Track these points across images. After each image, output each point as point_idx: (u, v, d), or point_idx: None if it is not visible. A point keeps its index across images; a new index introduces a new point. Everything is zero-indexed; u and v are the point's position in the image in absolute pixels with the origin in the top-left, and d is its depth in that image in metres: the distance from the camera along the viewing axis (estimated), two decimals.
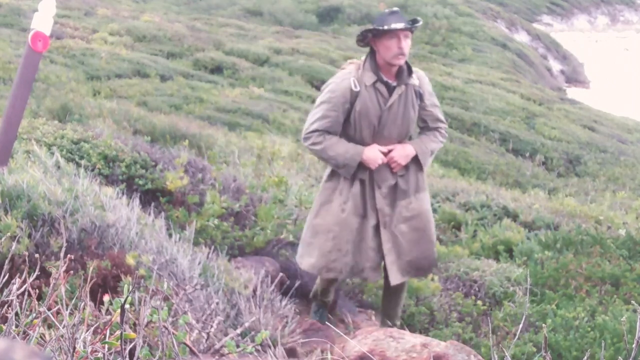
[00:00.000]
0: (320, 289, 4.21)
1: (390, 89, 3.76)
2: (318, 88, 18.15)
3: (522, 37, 32.91)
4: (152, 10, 25.89)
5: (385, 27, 3.60)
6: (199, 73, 17.48)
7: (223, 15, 28.89)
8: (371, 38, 3.69)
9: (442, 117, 4.00)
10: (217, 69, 18.28)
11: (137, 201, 3.62)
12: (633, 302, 3.74)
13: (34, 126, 5.16)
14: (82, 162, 4.40)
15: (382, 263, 3.94)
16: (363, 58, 3.82)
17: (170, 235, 3.55)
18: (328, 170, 3.97)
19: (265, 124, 13.38)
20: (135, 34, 19.72)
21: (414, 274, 4.02)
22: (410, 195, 3.89)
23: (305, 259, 3.98)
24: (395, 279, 3.90)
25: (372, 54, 3.75)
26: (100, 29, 19.64)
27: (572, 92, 27.59)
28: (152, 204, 4.24)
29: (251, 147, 8.92)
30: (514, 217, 7.37)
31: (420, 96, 3.83)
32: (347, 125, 3.82)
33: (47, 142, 4.65)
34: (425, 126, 3.96)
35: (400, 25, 3.60)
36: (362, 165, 3.80)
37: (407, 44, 3.69)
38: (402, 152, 3.83)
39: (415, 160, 3.89)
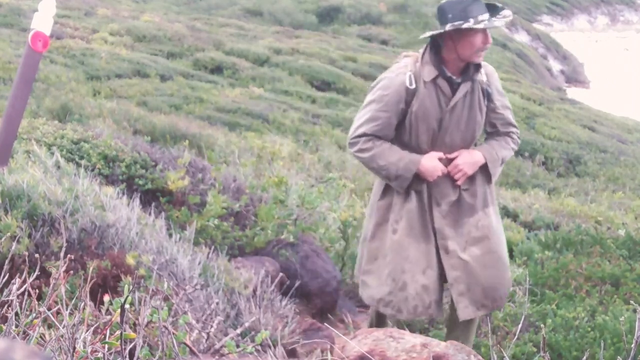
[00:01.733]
0: (375, 321, 3.61)
1: (454, 86, 3.13)
2: (318, 88, 18.18)
3: (522, 37, 32.91)
4: (152, 10, 25.89)
5: (481, 26, 2.96)
6: (199, 73, 17.48)
7: (223, 15, 28.89)
8: (447, 35, 3.06)
9: (513, 120, 3.37)
10: (217, 69, 18.28)
11: (137, 201, 3.62)
12: (632, 302, 3.74)
13: (34, 126, 5.16)
14: (82, 162, 4.40)
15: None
16: (421, 50, 3.18)
17: (170, 235, 3.55)
18: (380, 185, 3.36)
19: (265, 124, 13.38)
20: (135, 34, 19.71)
21: (491, 306, 3.29)
22: (479, 211, 3.25)
23: (365, 290, 3.39)
24: (466, 314, 3.23)
25: (434, 45, 3.13)
26: (100, 29, 19.63)
27: (572, 92, 27.60)
28: (153, 204, 4.24)
29: (251, 147, 8.92)
30: (514, 217, 7.37)
31: (488, 95, 3.22)
32: (401, 129, 3.20)
33: (47, 142, 4.65)
34: (495, 131, 3.33)
35: (499, 22, 3.00)
36: (418, 177, 3.19)
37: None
38: (469, 159, 3.21)
39: (483, 170, 3.27)
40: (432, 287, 3.21)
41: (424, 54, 3.14)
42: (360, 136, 3.20)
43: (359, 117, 3.23)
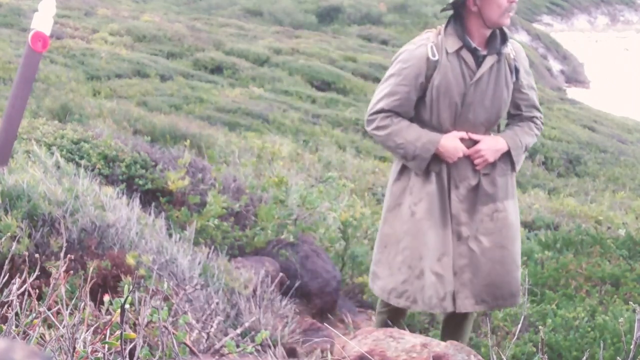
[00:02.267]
0: (385, 319, 3.29)
1: (479, 59, 2.94)
2: (318, 88, 18.19)
3: (522, 37, 32.91)
4: (152, 10, 25.89)
5: None
6: (199, 73, 17.49)
7: (223, 15, 28.89)
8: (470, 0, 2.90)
9: (538, 103, 3.17)
10: (217, 69, 18.29)
11: (137, 201, 3.62)
12: (632, 302, 3.74)
13: (34, 126, 5.16)
14: (82, 162, 4.40)
15: None
16: (444, 23, 3.00)
17: (170, 235, 3.55)
18: (396, 167, 3.15)
19: (265, 124, 13.39)
20: (135, 34, 19.72)
21: (492, 303, 3.10)
22: (497, 202, 3.04)
23: (376, 282, 3.15)
24: (464, 305, 3.04)
25: (457, 17, 2.96)
26: (100, 29, 19.64)
27: (572, 92, 27.62)
28: (152, 204, 4.24)
29: (251, 147, 8.92)
30: None
31: (516, 71, 3.01)
32: (421, 106, 3.00)
33: (47, 142, 4.65)
34: (519, 114, 3.13)
35: None
36: (437, 158, 2.99)
37: None
38: (493, 145, 3.01)
39: (505, 158, 3.07)
40: (448, 277, 3.00)
41: (446, 25, 2.97)
42: (378, 112, 3.01)
43: (378, 92, 3.04)
